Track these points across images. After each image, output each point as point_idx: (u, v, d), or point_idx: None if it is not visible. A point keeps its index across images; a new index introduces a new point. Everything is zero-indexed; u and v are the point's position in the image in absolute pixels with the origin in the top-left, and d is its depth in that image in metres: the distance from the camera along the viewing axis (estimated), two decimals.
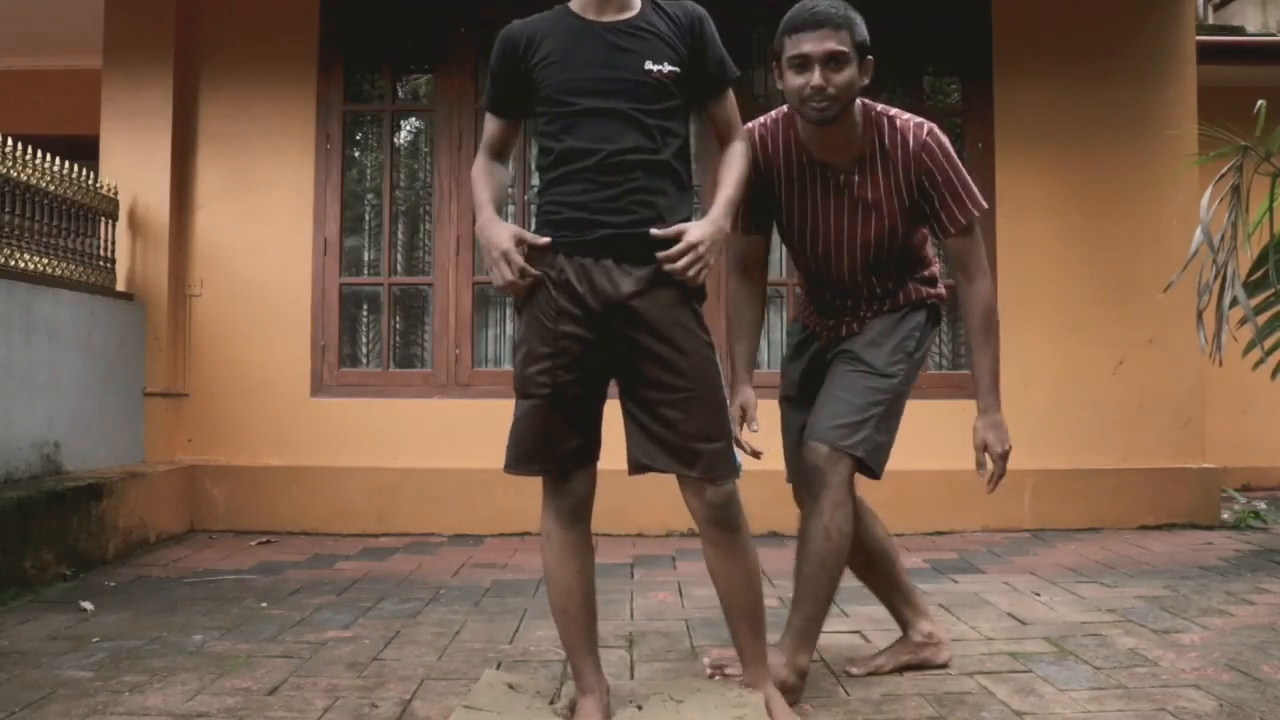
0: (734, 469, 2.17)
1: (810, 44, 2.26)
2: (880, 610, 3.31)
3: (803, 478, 2.41)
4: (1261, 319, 4.11)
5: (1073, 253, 5.11)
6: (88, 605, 3.35)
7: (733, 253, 2.58)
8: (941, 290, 2.66)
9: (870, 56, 2.35)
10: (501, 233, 2.11)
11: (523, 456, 2.18)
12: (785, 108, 2.46)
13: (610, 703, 2.26)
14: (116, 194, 4.82)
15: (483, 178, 2.25)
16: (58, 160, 4.30)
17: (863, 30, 2.33)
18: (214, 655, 2.80)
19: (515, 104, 2.23)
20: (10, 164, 4.01)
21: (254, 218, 5.06)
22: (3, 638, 2.97)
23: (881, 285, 2.54)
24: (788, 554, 4.34)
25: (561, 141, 2.12)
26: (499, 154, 2.29)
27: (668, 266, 2.09)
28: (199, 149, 5.09)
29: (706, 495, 2.16)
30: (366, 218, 5.32)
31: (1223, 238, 3.97)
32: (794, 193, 2.48)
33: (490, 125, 2.28)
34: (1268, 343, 4.16)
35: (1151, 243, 5.04)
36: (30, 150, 4.12)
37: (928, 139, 2.36)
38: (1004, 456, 2.50)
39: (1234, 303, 3.93)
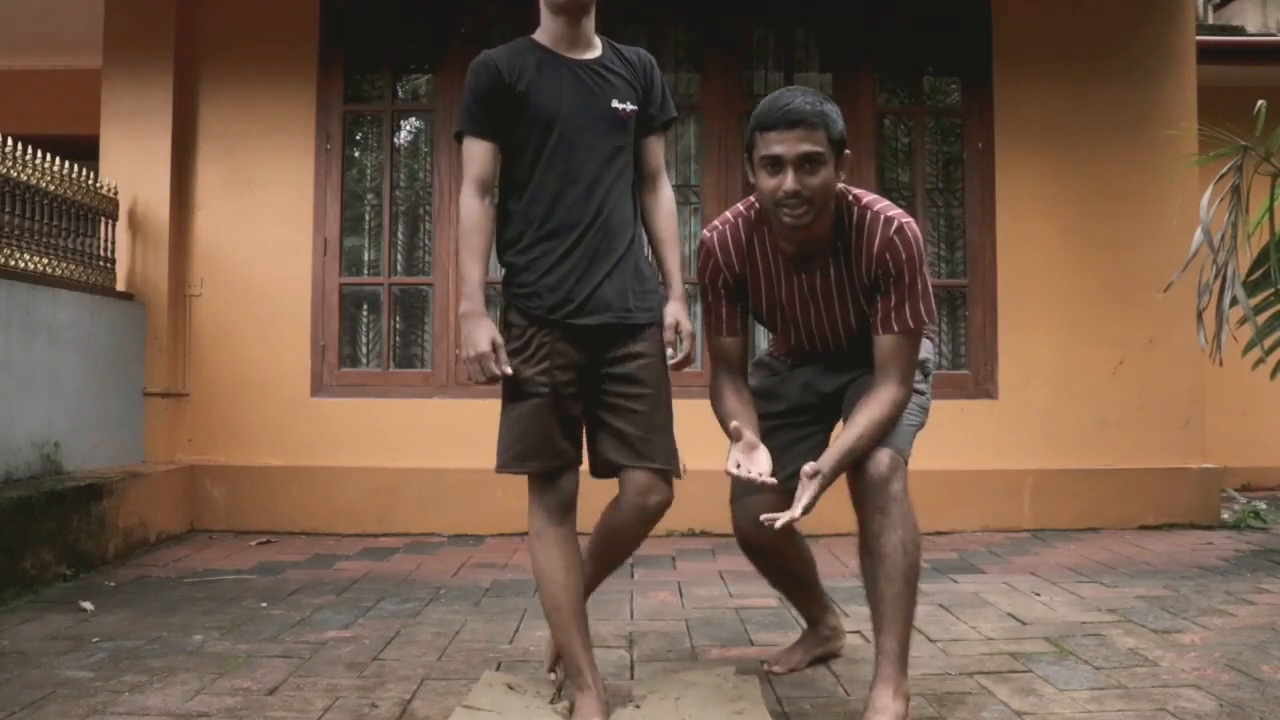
0: (678, 469, 2.31)
1: (782, 145, 2.14)
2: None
3: (865, 490, 2.26)
4: (1261, 319, 4.11)
5: (1073, 253, 5.11)
6: (88, 605, 3.35)
7: (719, 354, 2.52)
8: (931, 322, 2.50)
9: (847, 151, 2.22)
10: (482, 336, 2.20)
11: (523, 454, 2.25)
12: (748, 201, 2.39)
13: (608, 699, 2.28)
14: (116, 194, 4.82)
15: (476, 237, 2.27)
16: (58, 160, 4.30)
17: (839, 125, 2.19)
18: (214, 655, 2.80)
19: (503, 129, 2.28)
20: (10, 164, 4.01)
21: (254, 218, 5.06)
22: (3, 638, 2.97)
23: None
24: None
25: (535, 171, 2.24)
26: (490, 187, 2.31)
27: (673, 361, 2.35)
28: (199, 149, 5.09)
29: (654, 496, 2.28)
30: (366, 218, 5.32)
31: (1223, 238, 3.96)
32: (769, 288, 2.39)
33: (481, 154, 2.31)
34: (1268, 342, 4.16)
35: (1151, 243, 5.04)
36: (30, 150, 4.12)
37: (894, 237, 2.23)
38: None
39: (1234, 302, 3.93)
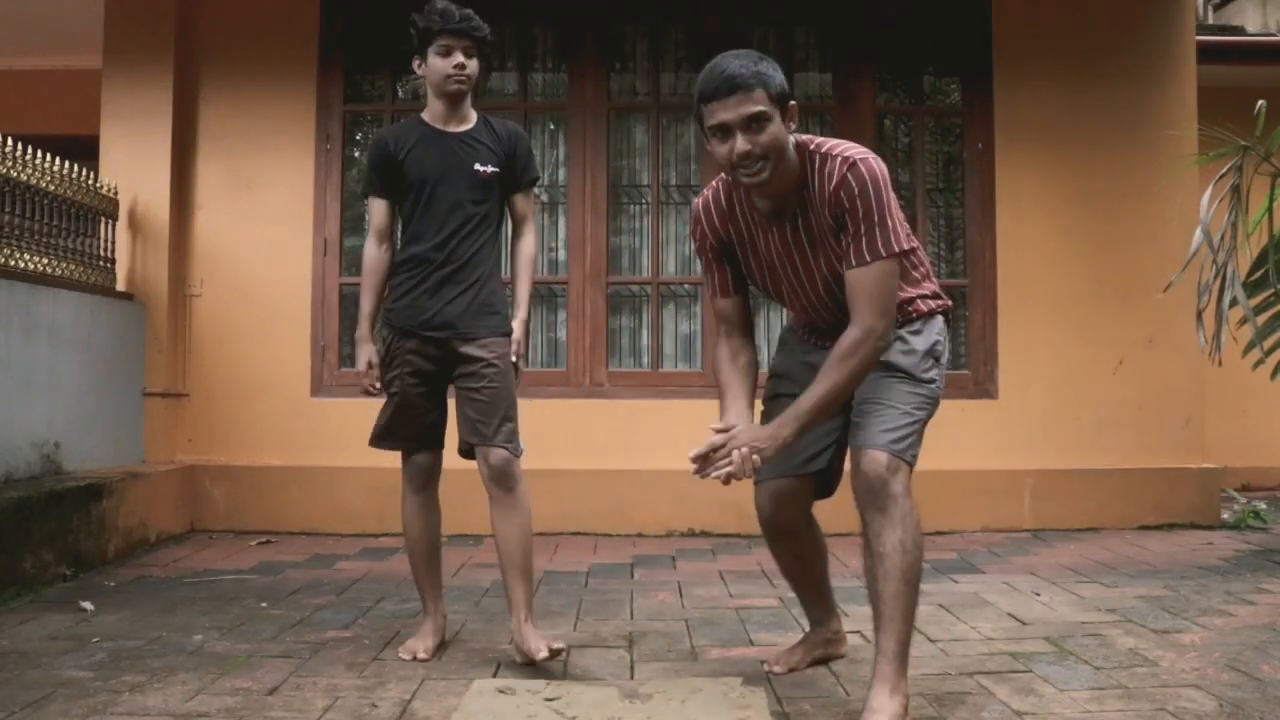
0: (516, 449, 2.87)
1: (726, 111, 2.18)
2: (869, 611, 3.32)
3: (863, 490, 2.26)
4: (1261, 319, 4.11)
5: (1073, 253, 5.11)
6: (88, 605, 3.35)
7: (719, 317, 2.57)
8: (947, 301, 2.54)
9: (792, 102, 2.24)
10: (362, 358, 2.94)
11: (381, 434, 3.00)
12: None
13: (445, 627, 2.91)
14: (116, 194, 4.82)
15: (370, 277, 2.94)
16: (58, 160, 4.30)
17: (778, 79, 2.21)
18: (214, 655, 2.80)
19: (392, 188, 2.90)
20: (10, 164, 4.00)
21: (254, 218, 5.06)
22: (3, 638, 2.97)
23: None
24: None
25: (412, 219, 2.87)
26: (385, 235, 2.94)
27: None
28: (199, 149, 5.09)
29: (496, 464, 2.85)
30: (367, 218, 5.31)
31: (1222, 238, 3.97)
32: (751, 247, 2.44)
33: (377, 209, 2.94)
34: (1267, 343, 4.16)
35: (1151, 243, 5.04)
36: (30, 150, 4.12)
37: (847, 174, 2.23)
38: (741, 457, 2.21)
39: (1234, 303, 3.93)
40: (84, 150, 4.90)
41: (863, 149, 2.29)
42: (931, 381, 2.41)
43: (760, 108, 2.17)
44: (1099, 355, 5.07)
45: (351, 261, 5.25)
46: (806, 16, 5.29)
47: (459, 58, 2.82)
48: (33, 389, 4.03)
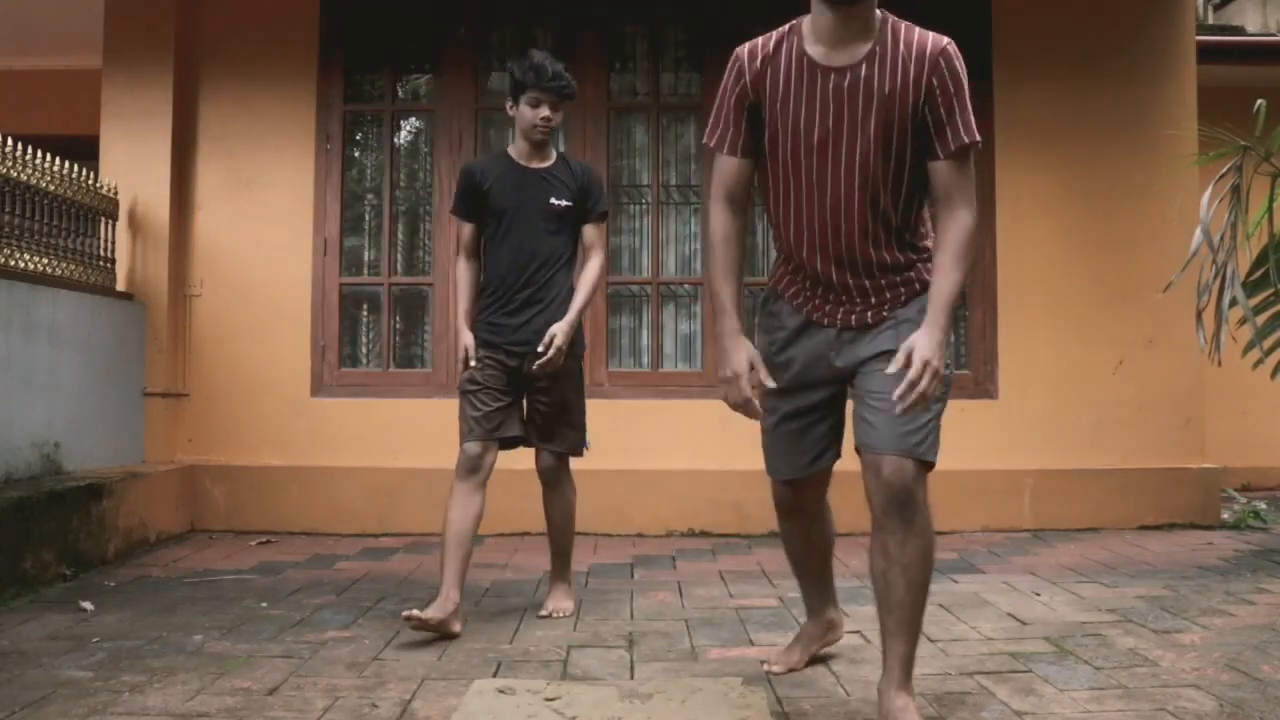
0: (579, 450, 3.35)
1: None
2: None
3: (886, 500, 2.17)
4: (1261, 319, 4.11)
5: (1073, 253, 5.11)
6: (88, 605, 3.35)
7: (718, 181, 2.41)
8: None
9: None
10: (461, 344, 3.30)
11: (462, 431, 3.33)
12: (789, 25, 2.34)
13: (458, 609, 3.01)
14: (116, 194, 4.82)
15: (465, 289, 3.37)
16: (58, 160, 4.30)
17: None
18: (214, 655, 2.80)
19: (476, 214, 3.31)
20: (10, 164, 4.00)
21: (254, 218, 5.06)
22: (3, 638, 2.97)
23: (879, 257, 2.24)
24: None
25: (492, 245, 3.29)
26: (472, 253, 3.36)
27: (538, 365, 3.19)
28: (199, 149, 5.09)
29: (540, 460, 3.35)
30: (366, 218, 5.32)
31: (1222, 238, 3.97)
32: (784, 102, 2.24)
33: (464, 231, 3.36)
34: (1267, 343, 4.16)
35: (1151, 243, 5.04)
36: (30, 150, 4.12)
37: (948, 46, 2.21)
38: (929, 369, 2.06)
39: (1234, 303, 3.93)
40: (84, 150, 4.90)
41: None
42: (947, 367, 2.19)
43: None
44: (1099, 355, 5.07)
45: (351, 262, 5.25)
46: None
47: (545, 110, 3.23)
48: (33, 389, 4.03)
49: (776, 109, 2.26)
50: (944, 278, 2.14)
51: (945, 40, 2.22)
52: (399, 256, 5.28)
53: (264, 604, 3.42)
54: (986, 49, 5.16)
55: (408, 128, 5.46)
